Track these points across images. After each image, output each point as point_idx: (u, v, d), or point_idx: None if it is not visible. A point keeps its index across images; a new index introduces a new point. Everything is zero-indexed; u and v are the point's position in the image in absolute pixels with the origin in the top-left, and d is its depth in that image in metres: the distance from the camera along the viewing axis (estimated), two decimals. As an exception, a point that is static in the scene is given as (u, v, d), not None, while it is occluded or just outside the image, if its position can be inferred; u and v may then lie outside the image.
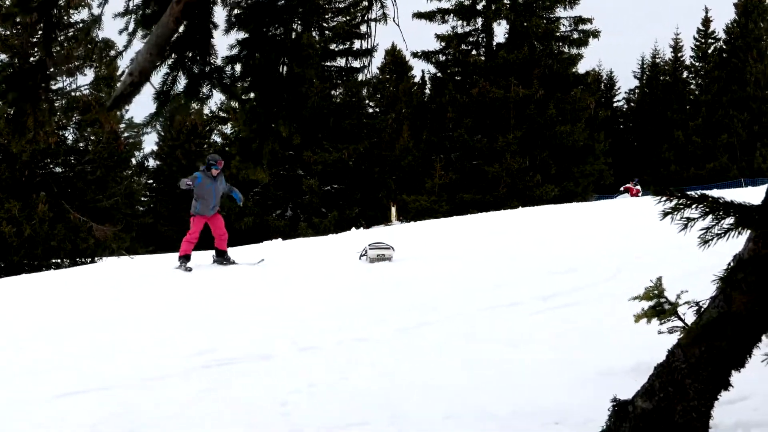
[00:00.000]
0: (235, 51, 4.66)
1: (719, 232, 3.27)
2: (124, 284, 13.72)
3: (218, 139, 63.96)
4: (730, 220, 3.20)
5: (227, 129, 59.35)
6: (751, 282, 3.16)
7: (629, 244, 13.56)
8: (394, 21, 5.88)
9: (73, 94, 39.35)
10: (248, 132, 4.72)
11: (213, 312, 9.65)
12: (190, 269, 15.66)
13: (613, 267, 10.81)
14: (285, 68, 4.85)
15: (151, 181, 70.95)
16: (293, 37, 5.09)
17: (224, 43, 4.92)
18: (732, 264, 3.36)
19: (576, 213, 24.89)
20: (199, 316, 9.37)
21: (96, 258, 37.37)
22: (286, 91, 4.78)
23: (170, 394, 6.10)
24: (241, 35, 4.70)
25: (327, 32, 59.08)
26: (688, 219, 3.32)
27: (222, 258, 16.18)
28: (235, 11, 4.66)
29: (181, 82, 4.25)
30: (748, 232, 3.26)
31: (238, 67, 4.70)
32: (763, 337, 3.40)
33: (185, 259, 15.87)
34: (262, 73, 4.62)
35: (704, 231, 3.30)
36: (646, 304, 4.04)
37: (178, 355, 7.17)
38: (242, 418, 5.52)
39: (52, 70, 5.05)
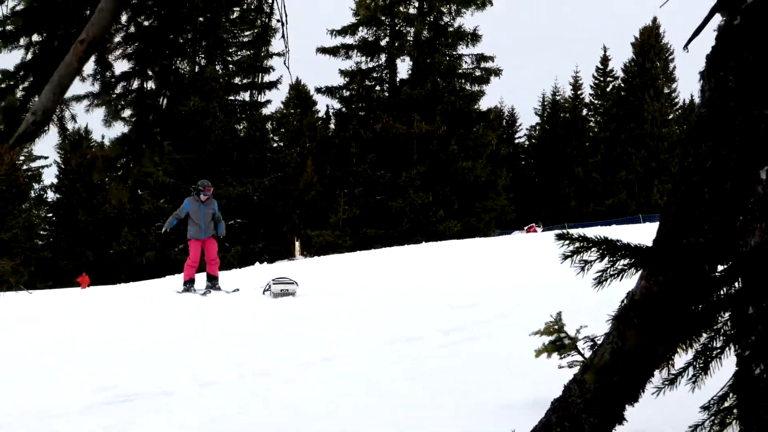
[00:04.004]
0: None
1: (613, 273, 3.37)
2: (22, 319, 13.44)
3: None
4: (624, 262, 3.31)
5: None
6: (643, 318, 3.26)
7: (531, 278, 13.76)
8: (285, 65, 5.94)
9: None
10: (118, 151, 4.74)
11: (112, 347, 9.49)
12: (201, 292, 16.32)
13: (515, 301, 10.95)
14: (165, 100, 4.86)
15: (50, 215, 69.69)
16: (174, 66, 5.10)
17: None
18: (625, 301, 3.46)
19: (478, 248, 25.14)
20: (98, 352, 9.20)
21: (-7, 293, 36.53)
22: (162, 121, 4.80)
23: (68, 433, 5.98)
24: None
25: (231, 66, 59.00)
26: (586, 262, 3.42)
27: (212, 283, 16.75)
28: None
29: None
30: (641, 271, 3.37)
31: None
32: (656, 372, 3.49)
33: (190, 283, 16.45)
34: (142, 101, 4.64)
35: (600, 273, 3.40)
36: (546, 339, 4.12)
37: (77, 392, 7.02)
38: (142, 457, 5.44)
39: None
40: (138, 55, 4.51)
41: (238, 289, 16.31)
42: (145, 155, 4.72)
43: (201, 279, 17.81)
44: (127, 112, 4.85)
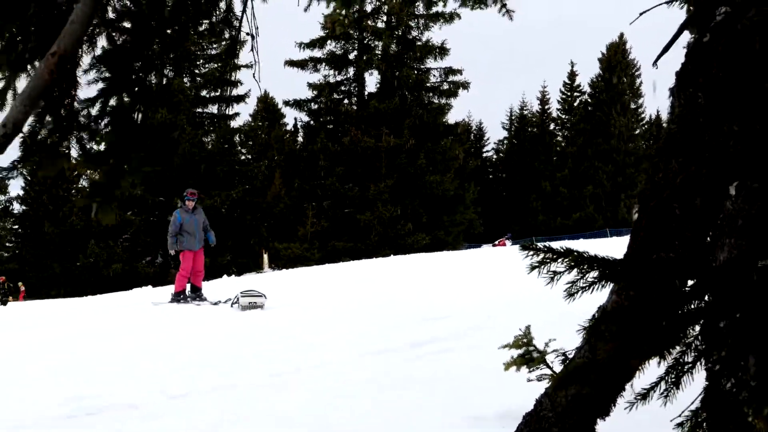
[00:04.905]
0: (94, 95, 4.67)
1: (584, 285, 3.37)
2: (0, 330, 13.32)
3: (87, 185, 62.84)
4: (594, 274, 3.32)
5: (96, 174, 58.26)
6: (614, 333, 3.27)
7: (500, 291, 13.80)
8: (254, 77, 5.94)
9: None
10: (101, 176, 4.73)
11: (78, 359, 9.40)
12: (189, 300, 16.51)
13: (484, 314, 10.96)
14: (140, 114, 4.85)
15: (16, 227, 68.99)
16: (151, 80, 5.09)
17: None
18: (596, 315, 3.47)
19: (448, 261, 25.19)
20: (64, 364, 9.11)
21: (-43, 305, 36.22)
22: (140, 139, 4.79)
23: (32, 447, 5.91)
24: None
25: (198, 78, 58.92)
26: (555, 272, 3.42)
27: (196, 294, 16.76)
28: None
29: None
30: (611, 284, 3.39)
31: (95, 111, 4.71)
32: (627, 386, 3.51)
33: (182, 294, 16.54)
34: (118, 119, 4.64)
35: (570, 285, 3.41)
36: (515, 352, 4.12)
37: (41, 404, 6.93)
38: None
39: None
40: (112, 71, 4.50)
41: (220, 301, 16.27)
42: (126, 175, 4.70)
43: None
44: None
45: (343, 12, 55.90)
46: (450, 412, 5.89)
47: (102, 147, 4.84)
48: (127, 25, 4.77)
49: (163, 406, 6.71)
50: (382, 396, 6.62)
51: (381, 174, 54.02)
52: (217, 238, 17.24)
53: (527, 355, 4.04)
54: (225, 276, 31.92)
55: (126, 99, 4.73)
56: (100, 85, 4.66)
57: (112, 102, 4.69)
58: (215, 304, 16.10)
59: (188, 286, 17.00)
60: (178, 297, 16.38)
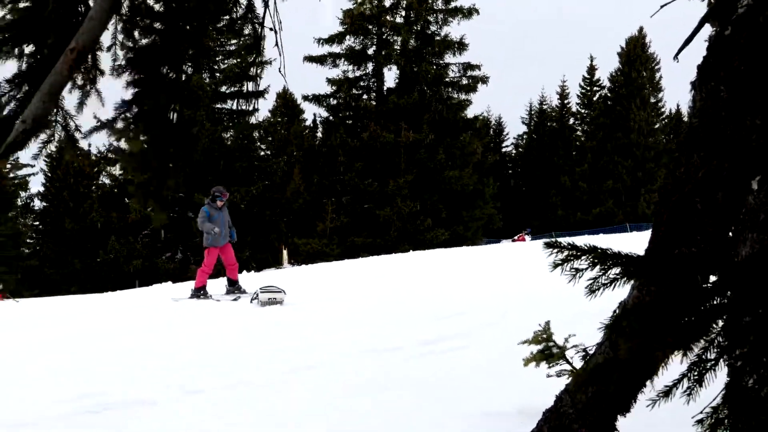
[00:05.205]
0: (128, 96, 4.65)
1: (606, 282, 3.35)
2: (8, 327, 13.35)
3: (107, 181, 63.14)
4: (616, 270, 3.29)
5: (116, 170, 58.66)
6: (635, 329, 3.25)
7: (518, 286, 13.76)
8: (280, 71, 5.92)
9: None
10: (143, 175, 4.71)
11: (98, 355, 9.42)
12: (210, 296, 16.51)
13: (502, 310, 10.92)
14: (175, 114, 4.84)
15: (37, 223, 69.25)
16: (183, 80, 5.09)
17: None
18: (617, 311, 3.45)
19: (466, 256, 25.14)
20: (83, 360, 9.12)
21: (-22, 301, 36.34)
22: (177, 137, 4.78)
23: (53, 441, 5.91)
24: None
25: (218, 74, 58.95)
26: (577, 270, 3.40)
27: (233, 287, 16.96)
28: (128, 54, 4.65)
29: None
30: (633, 281, 3.36)
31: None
32: (648, 383, 3.48)
33: (203, 289, 16.59)
34: (153, 119, 4.61)
35: (592, 281, 3.38)
36: (534, 348, 4.10)
37: (62, 399, 6.93)
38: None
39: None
40: (145, 73, 4.50)
41: (239, 297, 16.33)
42: (169, 176, 4.70)
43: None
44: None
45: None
46: (466, 408, 5.86)
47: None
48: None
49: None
50: (398, 392, 6.60)
51: (400, 169, 53.97)
52: (237, 234, 17.27)
53: (547, 350, 4.02)
54: (245, 271, 31.95)
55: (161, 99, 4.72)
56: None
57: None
58: (235, 299, 16.11)
59: (225, 280, 17.17)
60: (198, 293, 16.40)
